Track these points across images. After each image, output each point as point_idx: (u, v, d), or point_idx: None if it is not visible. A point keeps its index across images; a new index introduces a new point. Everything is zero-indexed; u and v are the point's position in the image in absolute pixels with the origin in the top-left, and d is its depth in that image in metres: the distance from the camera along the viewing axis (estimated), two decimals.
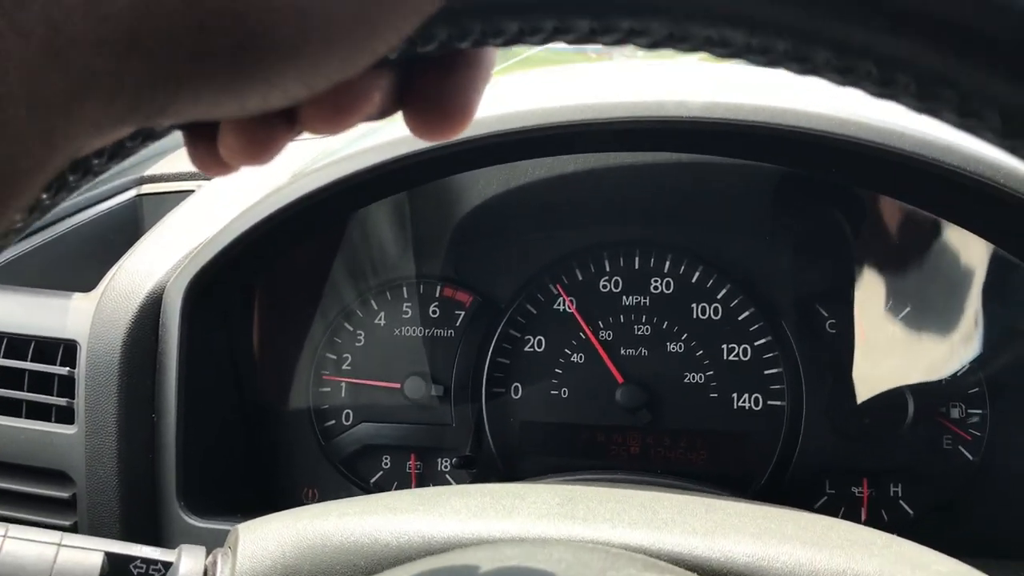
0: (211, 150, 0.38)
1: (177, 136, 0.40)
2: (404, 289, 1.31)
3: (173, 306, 1.10)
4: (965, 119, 0.33)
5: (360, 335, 1.30)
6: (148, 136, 0.38)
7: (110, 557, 0.77)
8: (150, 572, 0.79)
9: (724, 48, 0.34)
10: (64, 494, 1.12)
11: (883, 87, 0.33)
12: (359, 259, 1.30)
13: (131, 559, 0.78)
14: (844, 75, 0.33)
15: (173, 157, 1.49)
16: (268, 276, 1.25)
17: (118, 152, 0.38)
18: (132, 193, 1.41)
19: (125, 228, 1.39)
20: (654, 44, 0.35)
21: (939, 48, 0.30)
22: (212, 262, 1.10)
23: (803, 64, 0.34)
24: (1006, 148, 0.33)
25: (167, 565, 0.79)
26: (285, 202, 1.07)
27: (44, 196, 0.37)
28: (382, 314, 1.30)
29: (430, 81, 0.38)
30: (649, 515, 0.80)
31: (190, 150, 0.40)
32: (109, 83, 0.29)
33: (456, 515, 0.79)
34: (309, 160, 1.20)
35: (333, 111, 0.35)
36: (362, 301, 1.31)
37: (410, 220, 1.27)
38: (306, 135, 0.38)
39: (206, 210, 1.27)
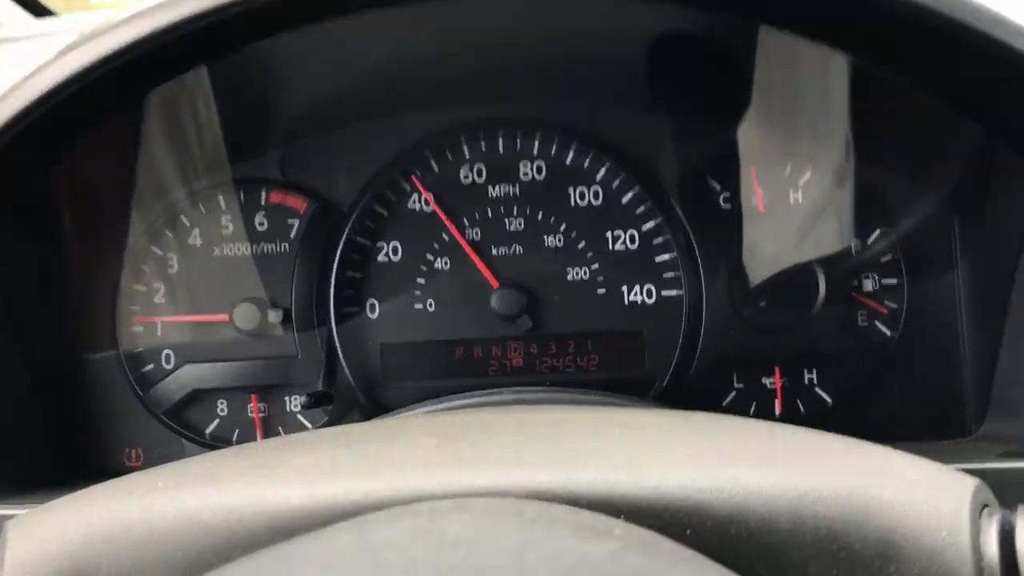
0: None
1: None
2: (220, 198, 1.08)
3: None
4: None
5: (172, 259, 1.07)
6: None
7: None
8: None
9: None
10: None
11: None
12: (156, 163, 1.05)
13: None
14: None
15: None
16: (41, 190, 0.99)
17: None
18: None
19: None
20: None
21: None
22: None
23: None
24: None
25: None
26: (47, 87, 0.82)
27: None
28: (196, 231, 1.07)
29: None
30: (551, 448, 0.62)
31: None
32: None
33: (302, 478, 0.59)
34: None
35: None
36: (169, 217, 1.07)
37: (216, 109, 1.02)
38: None
39: None
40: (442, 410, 0.89)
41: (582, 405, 0.87)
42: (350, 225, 1.06)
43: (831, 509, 0.56)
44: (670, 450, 0.61)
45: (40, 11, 1.44)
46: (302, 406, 1.03)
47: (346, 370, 1.04)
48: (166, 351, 1.06)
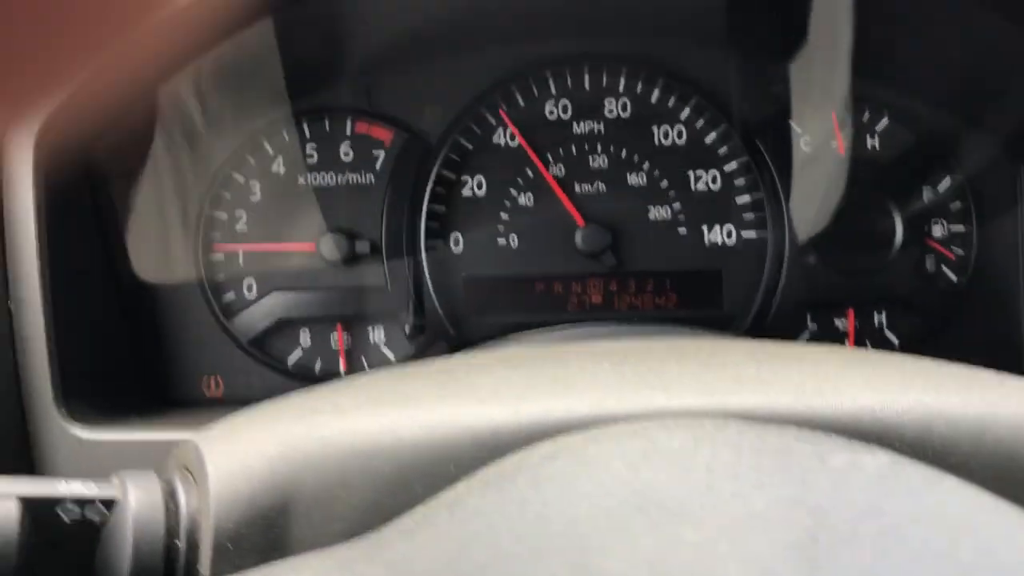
0: None
1: None
2: (305, 126, 1.06)
3: (20, 161, 0.83)
4: None
5: (254, 187, 1.06)
6: None
7: (27, 504, 0.54)
8: (87, 516, 0.56)
9: None
10: None
11: None
12: (239, 88, 1.04)
13: (55, 501, 0.56)
14: None
15: None
16: (129, 122, 0.97)
17: None
18: None
19: None
20: None
21: None
22: (70, 101, 0.82)
23: None
24: None
25: (109, 503, 0.57)
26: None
27: None
28: (280, 159, 1.06)
29: None
30: (731, 373, 0.64)
31: None
32: None
33: (499, 397, 0.61)
34: None
35: None
36: (252, 144, 1.05)
37: (300, 34, 1.01)
38: None
39: None
40: (556, 340, 0.90)
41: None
42: (441, 158, 1.05)
43: (1010, 432, 0.59)
44: (844, 376, 0.64)
45: None
46: (407, 336, 1.04)
47: (435, 302, 1.04)
48: (248, 280, 1.05)
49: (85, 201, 0.92)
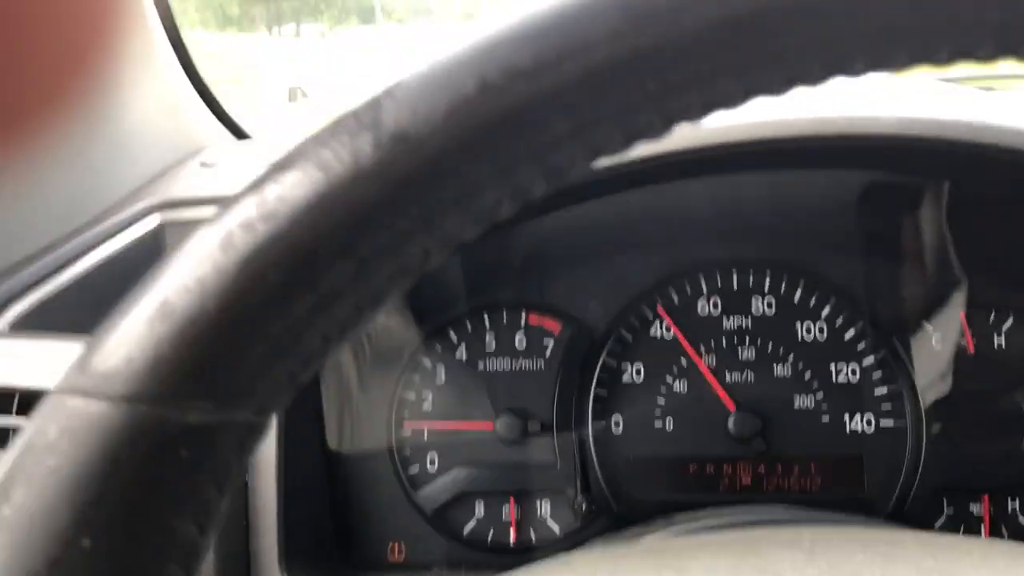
0: None
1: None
2: (485, 318, 1.20)
3: None
4: None
5: (440, 371, 1.19)
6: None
7: None
8: None
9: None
10: None
11: None
12: (430, 288, 1.19)
13: None
14: None
15: (194, 175, 1.33)
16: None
17: None
18: (156, 220, 1.25)
19: (150, 260, 1.22)
20: None
21: None
22: None
23: None
24: None
25: None
26: None
27: None
28: (462, 347, 1.20)
29: None
30: (910, 567, 0.73)
31: None
32: None
33: None
34: None
35: None
36: (439, 334, 1.20)
37: (486, 244, 1.16)
38: None
39: None
40: (723, 524, 0.99)
41: (855, 526, 0.97)
42: (605, 349, 1.18)
43: None
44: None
45: (240, 134, 1.58)
46: (583, 515, 1.14)
47: (600, 480, 1.15)
48: (431, 454, 1.17)
49: (309, 388, 1.06)
